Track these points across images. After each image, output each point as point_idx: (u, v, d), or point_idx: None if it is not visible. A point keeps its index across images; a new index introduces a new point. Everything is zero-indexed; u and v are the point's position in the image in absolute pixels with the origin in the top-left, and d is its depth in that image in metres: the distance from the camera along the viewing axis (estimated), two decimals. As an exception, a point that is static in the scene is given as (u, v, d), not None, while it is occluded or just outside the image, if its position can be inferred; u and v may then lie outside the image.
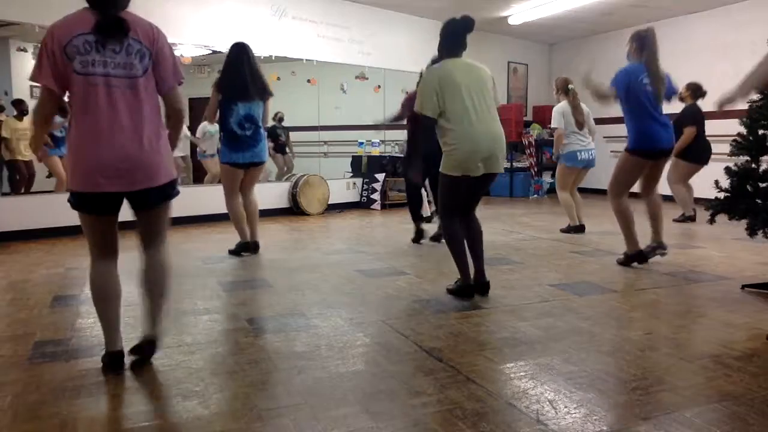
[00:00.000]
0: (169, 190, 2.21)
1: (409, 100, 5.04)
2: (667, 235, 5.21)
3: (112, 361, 2.24)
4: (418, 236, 5.11)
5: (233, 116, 4.18)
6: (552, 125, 5.63)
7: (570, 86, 5.42)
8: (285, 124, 8.38)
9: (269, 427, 1.79)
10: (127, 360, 2.30)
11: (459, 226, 3.28)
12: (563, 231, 5.68)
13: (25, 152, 6.23)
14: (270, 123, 4.68)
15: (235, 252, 4.52)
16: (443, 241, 4.84)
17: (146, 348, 2.30)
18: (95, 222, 2.17)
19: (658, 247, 4.11)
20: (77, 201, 2.11)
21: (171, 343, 2.53)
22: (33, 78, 2.03)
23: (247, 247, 4.54)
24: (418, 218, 5.13)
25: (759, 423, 1.78)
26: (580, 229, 5.61)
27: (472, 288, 3.26)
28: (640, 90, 3.82)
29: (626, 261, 4.09)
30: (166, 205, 2.27)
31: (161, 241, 2.33)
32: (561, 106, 5.50)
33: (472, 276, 3.27)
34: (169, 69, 2.18)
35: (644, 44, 3.85)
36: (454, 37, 3.25)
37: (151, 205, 2.22)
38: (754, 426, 1.76)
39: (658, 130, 3.84)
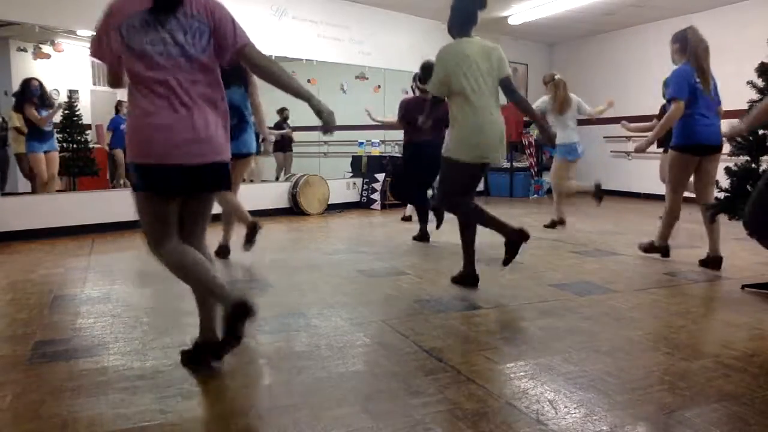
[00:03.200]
0: (224, 174, 2.14)
1: (406, 104, 5.08)
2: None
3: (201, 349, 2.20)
4: (421, 236, 5.10)
5: None
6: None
7: (556, 76, 5.59)
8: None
9: (269, 427, 1.79)
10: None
11: (474, 206, 3.29)
12: (546, 226, 5.84)
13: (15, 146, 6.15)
14: (262, 111, 4.31)
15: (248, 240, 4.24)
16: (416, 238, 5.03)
17: (239, 312, 2.00)
18: (155, 204, 2.08)
19: (713, 260, 3.95)
20: (139, 175, 2.03)
21: (171, 343, 2.53)
22: (91, 53, 2.07)
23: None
24: (423, 219, 5.13)
25: (759, 423, 1.78)
26: (561, 222, 5.79)
27: (475, 278, 3.31)
28: (697, 88, 3.79)
29: (648, 248, 4.24)
30: (212, 196, 2.25)
31: (200, 237, 2.28)
32: (541, 101, 5.74)
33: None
34: (230, 33, 2.06)
35: (686, 43, 3.85)
36: (465, 15, 3.25)
37: (204, 187, 2.14)
38: (754, 426, 1.76)
39: (701, 126, 3.77)
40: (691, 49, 3.82)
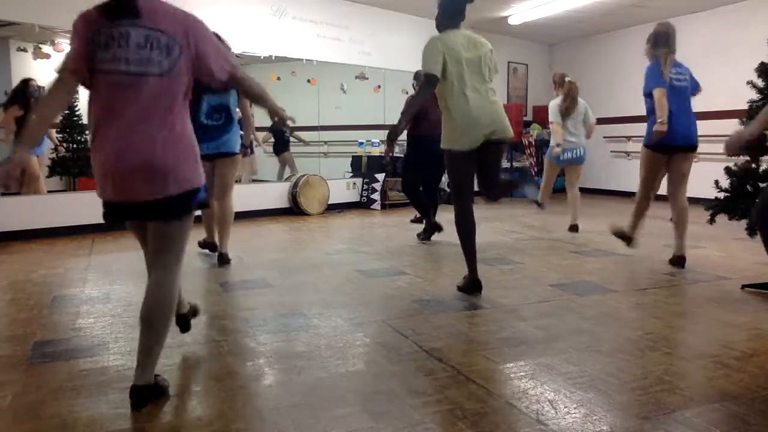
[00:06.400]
0: (184, 202, 1.94)
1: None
2: (667, 235, 5.22)
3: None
4: (428, 232, 5.11)
5: (202, 107, 3.95)
6: (550, 119, 5.73)
7: (567, 79, 5.55)
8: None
9: (269, 427, 1.79)
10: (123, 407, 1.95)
11: (471, 215, 3.29)
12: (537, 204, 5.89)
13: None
14: (251, 116, 4.48)
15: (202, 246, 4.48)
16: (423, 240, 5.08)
17: (136, 395, 1.91)
18: (130, 226, 2.09)
19: (677, 260, 4.00)
20: (102, 206, 2.00)
21: (171, 343, 2.53)
22: (61, 67, 1.86)
23: (212, 247, 4.44)
24: (427, 214, 5.15)
25: (759, 423, 1.78)
26: (573, 228, 5.68)
27: (478, 283, 3.29)
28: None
29: (616, 232, 4.27)
30: (179, 222, 1.98)
31: (168, 262, 2.00)
32: (557, 101, 5.66)
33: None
34: (216, 57, 1.95)
35: (657, 40, 3.90)
36: (453, 7, 3.26)
37: (162, 218, 1.96)
38: (754, 426, 1.76)
39: (672, 126, 3.79)
40: (663, 45, 3.88)
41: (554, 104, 5.63)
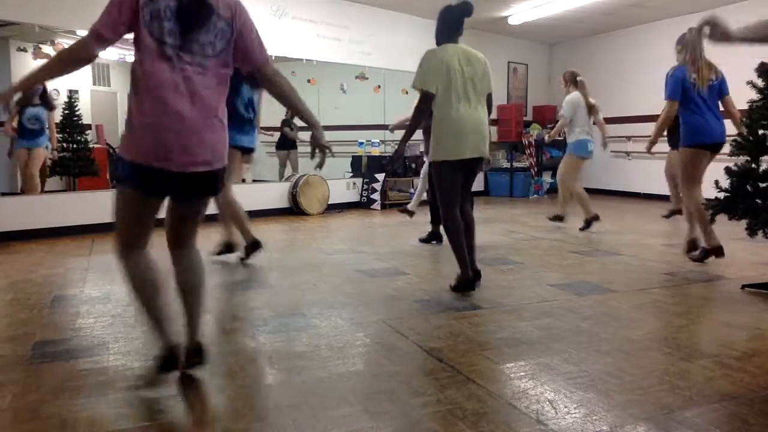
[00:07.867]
0: (219, 180, 2.05)
1: None
2: (668, 235, 5.22)
3: (168, 359, 2.08)
4: (429, 238, 5.11)
5: (240, 97, 3.92)
6: (562, 113, 5.68)
7: (579, 78, 5.58)
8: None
9: (269, 427, 1.79)
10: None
11: (459, 219, 3.33)
12: (582, 229, 5.59)
13: None
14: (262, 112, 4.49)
15: (251, 250, 4.23)
16: (434, 242, 5.06)
17: (193, 358, 2.12)
18: (139, 203, 1.97)
19: (715, 250, 4.04)
20: (128, 173, 1.91)
21: (171, 343, 2.53)
22: (94, 26, 1.83)
23: (257, 245, 4.27)
24: (435, 221, 5.12)
25: (759, 423, 1.78)
26: (595, 218, 5.58)
27: (471, 281, 3.32)
28: (690, 88, 3.99)
29: (703, 256, 4.07)
30: (206, 200, 2.11)
31: (192, 238, 2.17)
32: (574, 97, 5.64)
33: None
34: (255, 42, 2.03)
35: (683, 44, 4.10)
36: (452, 23, 3.35)
37: (195, 195, 2.05)
38: (754, 426, 1.76)
39: (708, 124, 3.96)
40: (687, 49, 4.04)
41: (573, 99, 5.58)
